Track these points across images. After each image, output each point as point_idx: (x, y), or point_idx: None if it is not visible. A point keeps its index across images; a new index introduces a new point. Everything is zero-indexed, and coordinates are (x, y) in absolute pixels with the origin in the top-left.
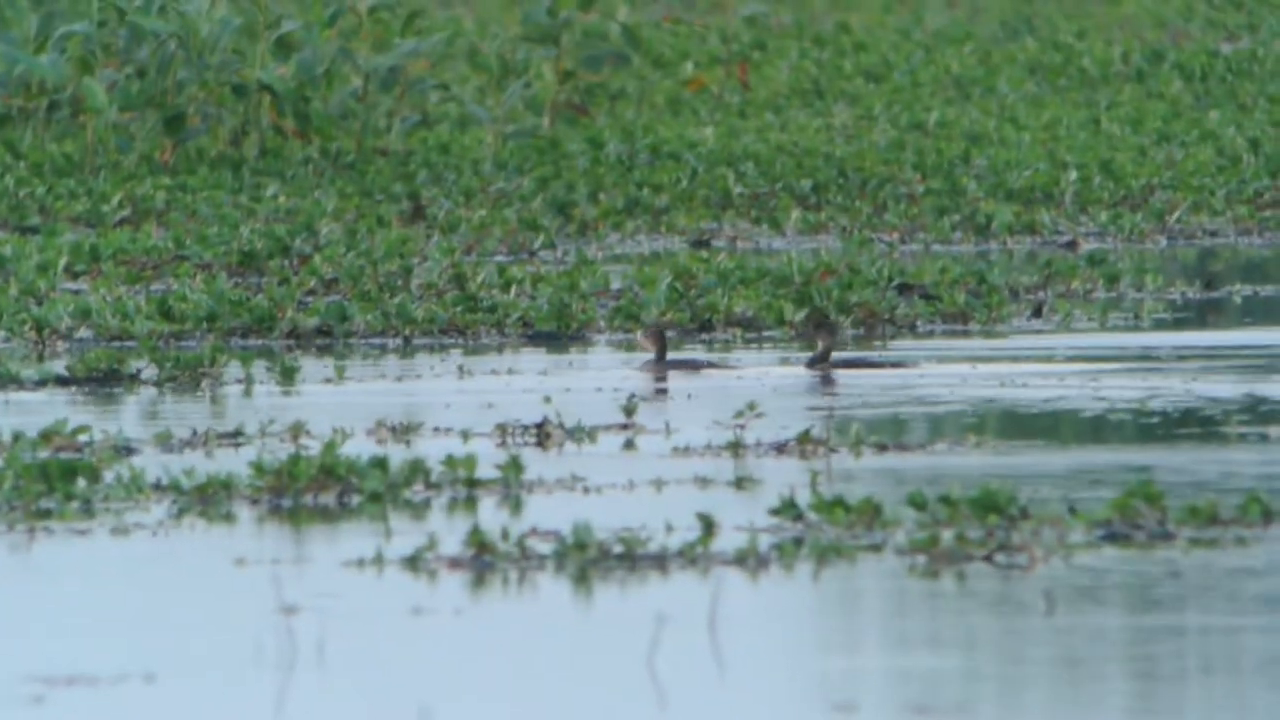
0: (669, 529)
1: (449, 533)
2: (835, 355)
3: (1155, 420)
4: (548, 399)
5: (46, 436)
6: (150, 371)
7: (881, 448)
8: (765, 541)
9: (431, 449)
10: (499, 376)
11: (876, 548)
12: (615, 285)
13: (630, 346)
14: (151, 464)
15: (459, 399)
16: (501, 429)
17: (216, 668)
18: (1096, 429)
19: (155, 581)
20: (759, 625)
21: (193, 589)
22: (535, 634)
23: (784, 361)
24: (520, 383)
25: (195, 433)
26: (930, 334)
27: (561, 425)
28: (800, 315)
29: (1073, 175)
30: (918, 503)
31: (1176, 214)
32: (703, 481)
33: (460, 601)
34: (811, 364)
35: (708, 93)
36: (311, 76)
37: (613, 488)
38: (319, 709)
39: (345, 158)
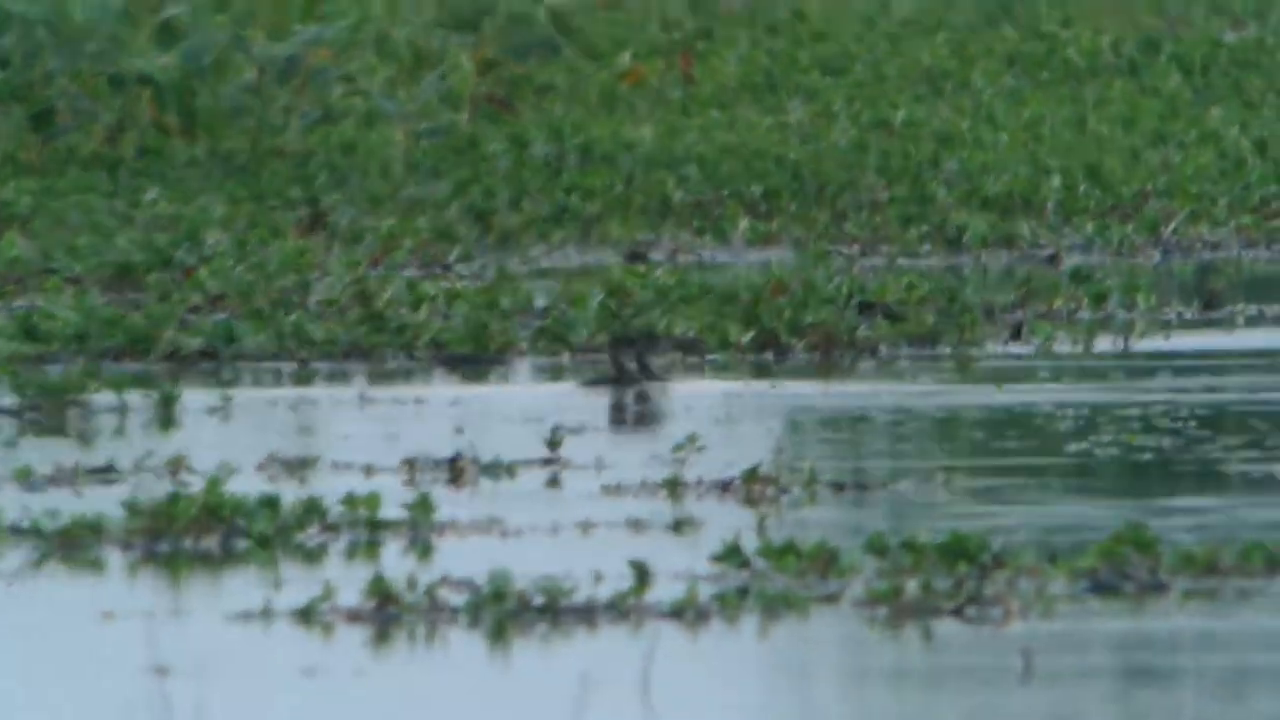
0: (598, 578)
1: (348, 581)
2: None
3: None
4: (460, 430)
5: None
6: (10, 399)
7: (838, 487)
8: (706, 591)
9: (329, 486)
10: (406, 405)
11: (832, 599)
12: (540, 303)
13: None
14: (9, 504)
15: (361, 430)
16: (409, 464)
17: None
18: (1082, 470)
19: (11, 638)
20: (698, 687)
21: (54, 646)
22: (446, 697)
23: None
24: (430, 411)
25: (61, 468)
26: (895, 359)
27: (476, 460)
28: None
29: (1056, 181)
30: (878, 548)
31: (1173, 225)
32: (636, 524)
33: (360, 660)
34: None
35: (646, 86)
36: (198, 67)
37: (534, 530)
38: None
39: (236, 159)
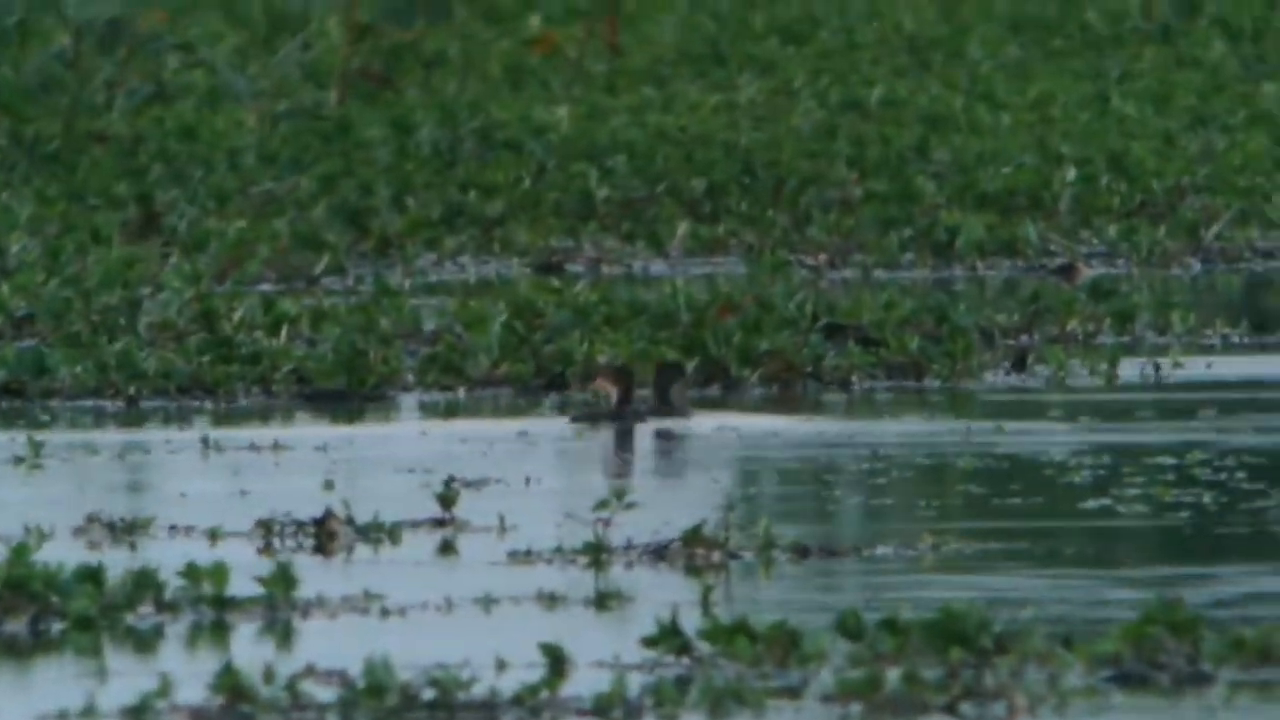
0: (501, 666)
1: (190, 673)
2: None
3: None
4: (330, 484)
5: None
6: None
7: (801, 552)
8: (637, 683)
9: (165, 555)
10: (262, 452)
11: (794, 692)
12: (429, 326)
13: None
14: None
15: (204, 485)
16: (265, 526)
17: None
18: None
19: None
20: None
21: None
22: None
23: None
24: (292, 460)
25: None
26: (871, 394)
27: (350, 521)
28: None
29: (1070, 173)
30: (851, 629)
31: (1215, 227)
32: (550, 599)
33: None
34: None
35: (561, 57)
36: None
37: (423, 608)
38: None
39: (46, 146)
